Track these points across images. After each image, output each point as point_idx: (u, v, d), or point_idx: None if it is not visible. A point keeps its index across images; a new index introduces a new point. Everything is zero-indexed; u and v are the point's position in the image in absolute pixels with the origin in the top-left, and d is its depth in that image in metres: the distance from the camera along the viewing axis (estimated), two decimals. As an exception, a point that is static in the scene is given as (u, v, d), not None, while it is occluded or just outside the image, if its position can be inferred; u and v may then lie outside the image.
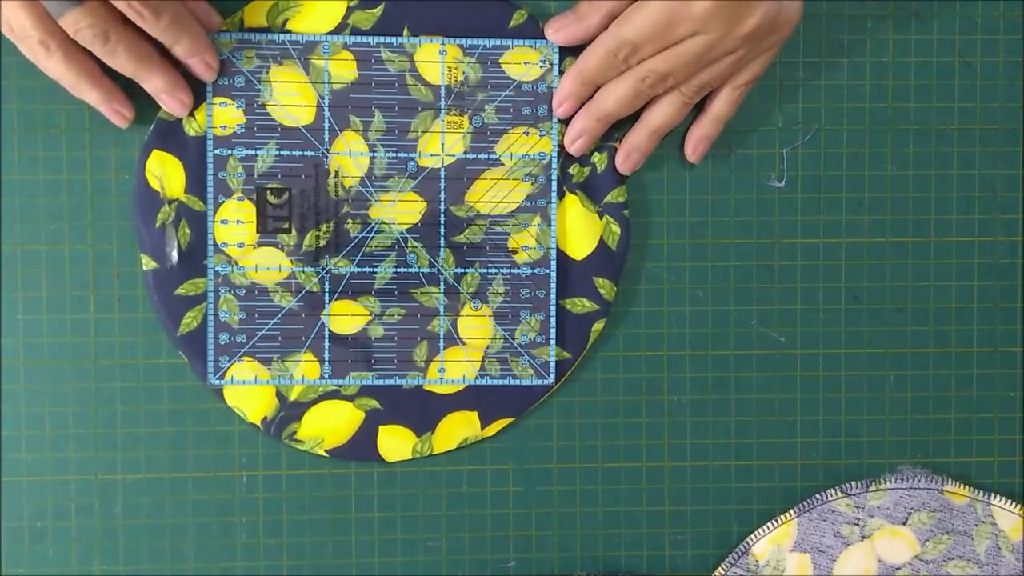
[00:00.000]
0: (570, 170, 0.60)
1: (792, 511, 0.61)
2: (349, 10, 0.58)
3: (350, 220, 0.59)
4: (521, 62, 0.59)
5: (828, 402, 0.62)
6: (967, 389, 0.62)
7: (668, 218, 0.61)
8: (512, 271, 0.60)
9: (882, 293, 0.62)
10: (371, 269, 0.59)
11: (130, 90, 0.56)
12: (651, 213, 0.61)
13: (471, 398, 0.60)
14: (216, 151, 0.58)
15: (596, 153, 0.60)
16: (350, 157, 0.59)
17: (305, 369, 0.59)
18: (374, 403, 0.59)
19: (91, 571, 0.59)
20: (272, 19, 0.58)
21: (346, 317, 0.59)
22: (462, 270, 0.59)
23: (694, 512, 0.61)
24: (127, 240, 0.59)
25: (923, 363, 0.62)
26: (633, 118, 0.59)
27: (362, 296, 0.59)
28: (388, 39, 0.58)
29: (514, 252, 0.60)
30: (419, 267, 0.59)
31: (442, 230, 0.59)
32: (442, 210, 0.59)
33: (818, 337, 0.61)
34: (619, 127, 0.59)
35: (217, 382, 0.59)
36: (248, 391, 0.59)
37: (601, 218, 0.60)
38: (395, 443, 0.60)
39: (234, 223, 0.58)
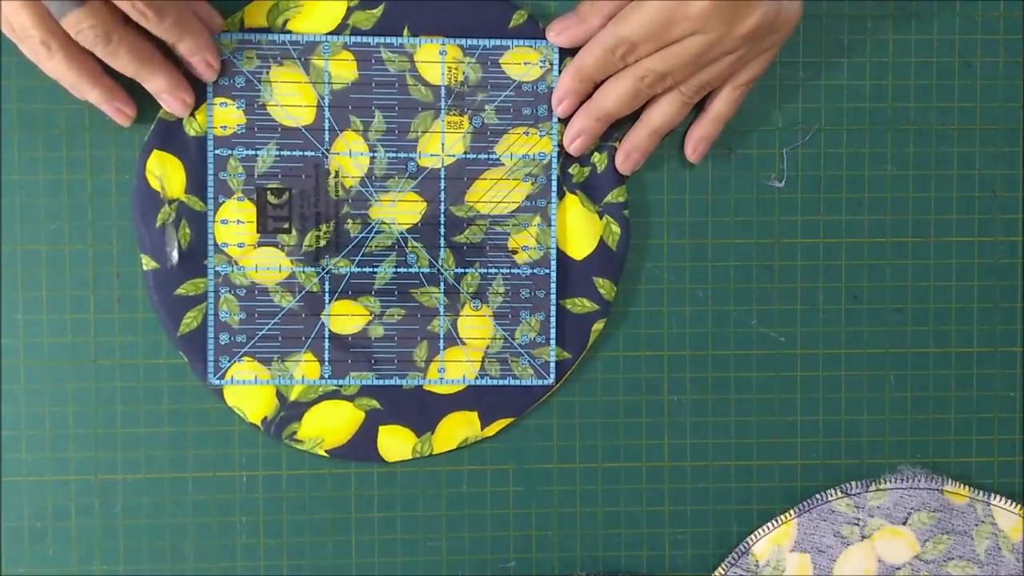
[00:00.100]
0: (570, 170, 0.60)
1: (792, 511, 0.61)
2: (349, 10, 0.58)
3: (350, 220, 0.59)
4: (521, 62, 0.59)
5: (828, 402, 0.62)
6: (967, 389, 0.62)
7: (668, 218, 0.61)
8: (512, 271, 0.60)
9: (882, 293, 0.62)
10: (371, 269, 0.59)
11: (131, 89, 0.56)
12: (651, 213, 0.61)
13: (471, 398, 0.60)
14: (216, 151, 0.58)
15: (596, 153, 0.60)
16: (350, 157, 0.59)
17: (305, 369, 0.59)
18: (374, 403, 0.59)
19: (91, 571, 0.59)
20: (272, 19, 0.58)
21: (346, 317, 0.59)
22: (462, 270, 0.59)
23: (694, 512, 0.61)
24: (127, 240, 0.59)
25: (923, 363, 0.62)
26: (633, 118, 0.59)
27: (362, 296, 0.59)
28: (388, 39, 0.58)
29: (514, 252, 0.60)
30: (419, 267, 0.59)
31: (442, 230, 0.59)
32: (442, 210, 0.59)
33: (818, 337, 0.61)
34: (619, 127, 0.59)
35: (217, 382, 0.59)
36: (248, 391, 0.59)
37: (601, 218, 0.60)
38: (395, 443, 0.60)
39: (234, 223, 0.58)
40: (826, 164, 0.61)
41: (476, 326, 0.60)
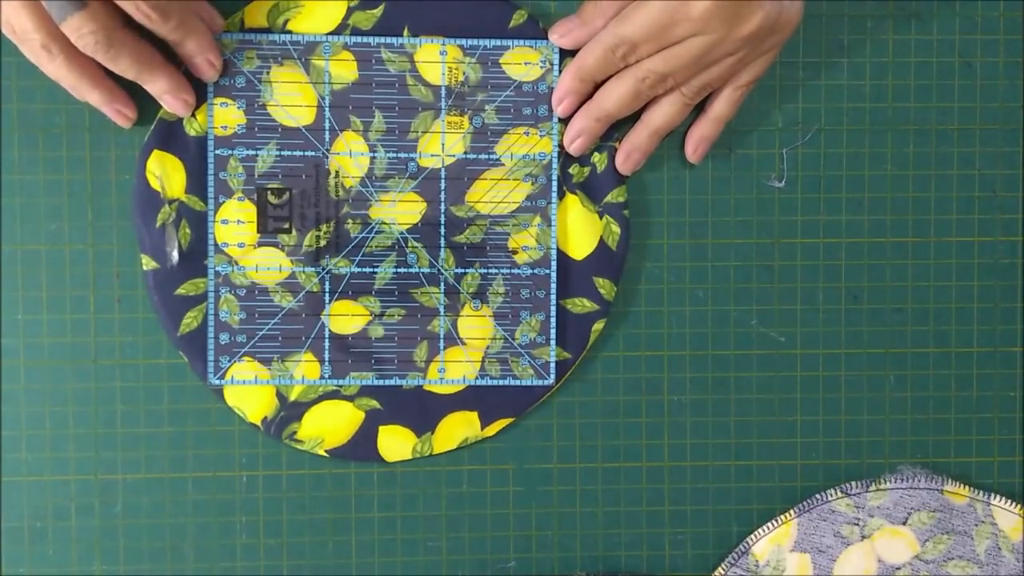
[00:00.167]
0: (570, 170, 0.60)
1: (792, 511, 0.61)
2: (349, 10, 0.58)
3: (350, 220, 0.59)
4: (521, 62, 0.59)
5: (828, 402, 0.62)
6: (967, 389, 0.62)
7: (668, 218, 0.61)
8: (512, 271, 0.60)
9: (882, 293, 0.62)
10: (371, 269, 0.59)
11: (131, 90, 0.56)
12: (651, 213, 0.61)
13: (471, 398, 0.60)
14: (217, 151, 0.58)
15: (596, 153, 0.60)
16: (350, 157, 0.59)
17: (305, 369, 0.59)
18: (374, 403, 0.59)
19: (91, 571, 0.59)
20: (272, 20, 0.58)
21: (346, 317, 0.59)
22: (462, 270, 0.59)
23: (694, 512, 0.61)
24: (127, 240, 0.59)
25: (923, 363, 0.62)
26: (633, 118, 0.59)
27: (362, 296, 0.59)
28: (388, 39, 0.58)
29: (514, 252, 0.60)
30: (419, 267, 0.59)
31: (442, 230, 0.59)
32: (442, 210, 0.59)
33: (818, 337, 0.61)
34: (619, 127, 0.59)
35: (217, 382, 0.59)
36: (248, 391, 0.59)
37: (601, 218, 0.60)
38: (395, 443, 0.60)
39: (235, 223, 0.58)
40: (826, 164, 0.61)
41: (476, 326, 0.60)
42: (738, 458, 0.61)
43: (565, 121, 0.59)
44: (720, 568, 0.61)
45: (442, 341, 0.60)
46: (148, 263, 0.58)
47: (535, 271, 0.60)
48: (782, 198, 0.61)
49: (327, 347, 0.59)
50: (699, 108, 0.59)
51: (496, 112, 0.59)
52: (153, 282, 0.58)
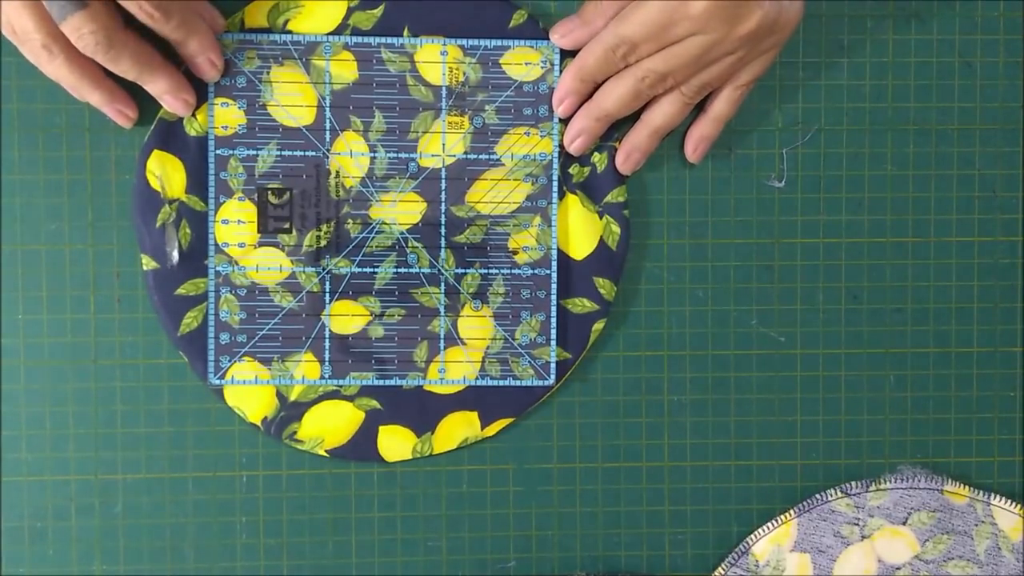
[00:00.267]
0: (570, 170, 0.60)
1: (792, 511, 0.61)
2: (349, 11, 0.58)
3: (351, 220, 0.59)
4: (522, 62, 0.59)
5: (828, 402, 0.62)
6: (967, 389, 0.62)
7: (668, 218, 0.61)
8: (512, 271, 0.60)
9: (882, 293, 0.62)
10: (371, 269, 0.59)
11: (131, 90, 0.56)
12: (651, 213, 0.61)
13: (471, 398, 0.60)
14: (217, 151, 0.58)
15: (596, 153, 0.60)
16: (351, 157, 0.59)
17: (305, 369, 0.59)
18: (374, 403, 0.59)
19: (91, 571, 0.59)
20: (273, 20, 0.58)
21: (346, 317, 0.59)
22: (462, 270, 0.59)
23: (694, 512, 0.61)
24: (127, 240, 0.59)
25: (923, 363, 0.62)
26: (633, 118, 0.59)
27: (362, 296, 0.59)
28: (389, 39, 0.58)
29: (514, 252, 0.60)
30: (419, 267, 0.59)
31: (443, 230, 0.59)
32: (443, 210, 0.59)
33: (818, 337, 0.61)
34: (619, 127, 0.59)
35: (217, 382, 0.59)
36: (248, 391, 0.59)
37: (601, 218, 0.60)
38: (395, 443, 0.60)
39: (235, 223, 0.58)
40: (826, 164, 0.61)
41: (476, 326, 0.60)
42: (738, 458, 0.61)
43: (565, 121, 0.59)
44: (720, 568, 0.61)
45: (442, 341, 0.60)
46: (148, 263, 0.58)
47: (535, 271, 0.60)
48: (782, 198, 0.61)
49: (327, 347, 0.59)
50: (699, 108, 0.59)
51: (496, 112, 0.59)
52: (153, 282, 0.58)
